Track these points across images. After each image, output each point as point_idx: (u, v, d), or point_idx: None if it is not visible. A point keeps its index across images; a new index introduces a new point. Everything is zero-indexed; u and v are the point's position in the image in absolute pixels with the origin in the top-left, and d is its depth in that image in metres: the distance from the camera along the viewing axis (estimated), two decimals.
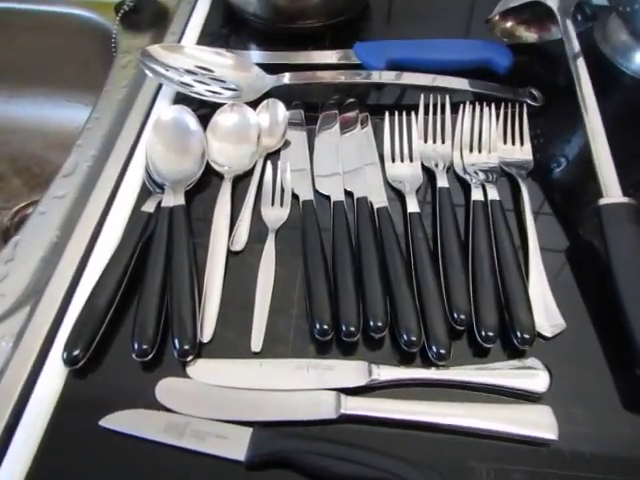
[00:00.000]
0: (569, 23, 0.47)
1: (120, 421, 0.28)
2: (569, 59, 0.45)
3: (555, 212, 0.39)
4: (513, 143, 0.43)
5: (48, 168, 0.64)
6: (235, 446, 0.27)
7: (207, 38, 0.53)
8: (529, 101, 0.46)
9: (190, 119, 0.41)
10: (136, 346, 0.30)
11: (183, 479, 0.28)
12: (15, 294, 0.35)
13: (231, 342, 0.32)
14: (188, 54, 0.47)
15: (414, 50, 0.49)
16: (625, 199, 0.36)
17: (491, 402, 0.30)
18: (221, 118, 0.42)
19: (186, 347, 0.30)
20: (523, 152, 0.43)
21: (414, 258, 0.35)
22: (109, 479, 0.28)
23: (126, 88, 0.50)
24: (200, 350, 0.31)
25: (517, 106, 0.45)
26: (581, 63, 0.44)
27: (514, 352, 0.32)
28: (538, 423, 0.29)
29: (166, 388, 0.29)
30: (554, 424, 0.29)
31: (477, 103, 0.45)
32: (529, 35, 0.52)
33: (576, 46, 0.45)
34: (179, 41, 0.53)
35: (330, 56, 0.50)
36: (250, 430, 0.28)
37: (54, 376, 0.31)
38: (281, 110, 0.43)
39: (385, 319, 0.32)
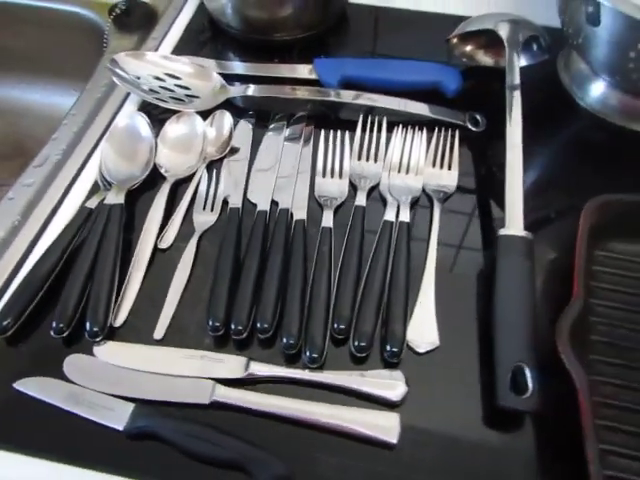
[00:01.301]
0: (515, 55, 0.48)
1: (31, 386, 0.34)
2: (507, 89, 0.47)
3: (463, 237, 0.42)
4: (442, 167, 0.46)
5: None
6: (118, 417, 0.32)
7: (185, 45, 0.57)
8: (470, 126, 0.49)
9: (143, 126, 0.46)
10: (54, 324, 0.35)
11: (74, 439, 0.33)
12: None
13: (139, 329, 0.37)
14: (155, 62, 0.51)
15: (368, 69, 0.51)
16: (524, 233, 0.39)
17: (349, 404, 0.33)
18: (170, 127, 0.46)
19: (95, 329, 0.35)
20: (449, 177, 0.45)
21: (314, 269, 0.38)
22: (17, 431, 0.33)
23: (104, 88, 0.54)
24: (112, 333, 0.36)
25: (451, 130, 0.47)
26: (517, 95, 0.46)
27: (388, 363, 0.36)
28: (383, 427, 0.32)
29: (72, 363, 0.35)
30: (397, 429, 0.32)
31: (413, 126, 0.48)
32: (486, 60, 0.53)
33: (516, 78, 0.47)
34: (159, 45, 0.57)
35: (298, 70, 0.53)
36: (133, 405, 0.33)
37: None
38: (227, 121, 0.47)
39: (272, 322, 0.36)
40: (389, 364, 0.36)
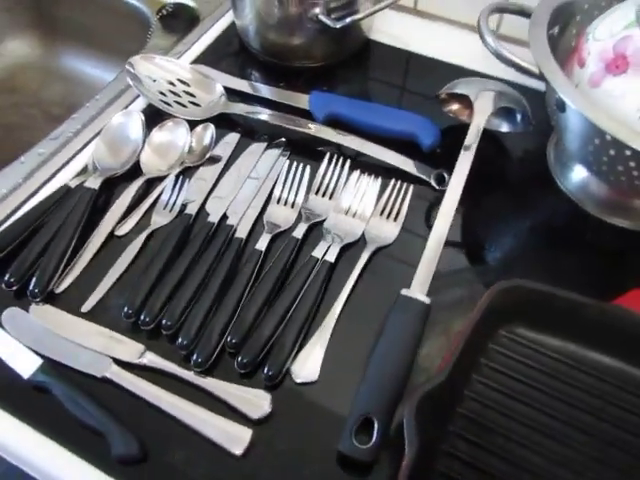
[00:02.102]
0: (480, 123, 0.50)
1: None
2: (462, 148, 0.48)
3: (380, 287, 0.45)
4: (388, 217, 0.48)
5: None
6: (26, 368, 0.39)
7: (209, 54, 0.63)
8: (434, 183, 0.51)
9: (136, 127, 0.52)
10: (6, 277, 0.42)
11: None
12: None
13: (73, 300, 0.43)
14: (166, 67, 0.57)
15: (354, 110, 0.54)
16: (423, 297, 0.41)
17: (217, 411, 0.38)
18: (158, 131, 0.52)
19: (36, 290, 0.42)
20: (391, 228, 0.48)
21: (232, 285, 0.43)
22: None
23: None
24: (51, 298, 0.43)
25: (406, 184, 0.50)
26: (466, 157, 0.47)
27: (267, 385, 0.39)
28: (233, 438, 0.36)
29: (10, 313, 0.41)
30: (245, 443, 0.36)
31: (376, 172, 0.50)
32: (470, 120, 0.55)
33: (471, 140, 0.49)
34: (187, 50, 0.63)
35: (296, 98, 0.57)
36: (41, 362, 0.39)
37: None
38: (209, 135, 0.52)
39: (177, 321, 0.40)
40: (267, 386, 0.39)
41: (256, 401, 0.38)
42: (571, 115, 0.43)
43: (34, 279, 0.42)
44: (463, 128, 0.53)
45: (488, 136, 0.55)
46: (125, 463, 0.35)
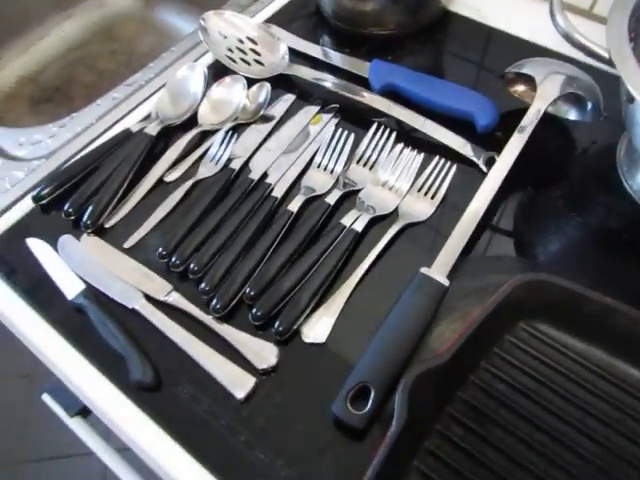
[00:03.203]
0: (541, 106, 0.47)
1: (33, 243, 0.46)
2: (517, 130, 0.46)
3: (403, 262, 0.44)
4: (425, 195, 0.47)
5: None
6: (70, 289, 0.43)
7: (282, 15, 0.64)
8: (482, 165, 0.49)
9: (198, 80, 0.54)
10: (66, 207, 0.47)
11: (38, 288, 0.44)
12: (49, 149, 0.54)
13: (119, 236, 0.47)
14: (239, 26, 0.59)
15: (411, 83, 0.53)
16: (442, 279, 0.40)
17: (226, 356, 0.40)
18: (217, 87, 0.54)
19: (88, 222, 0.46)
20: (426, 206, 0.47)
21: (260, 240, 0.44)
22: (10, 264, 0.46)
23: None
24: (100, 231, 0.47)
25: (449, 163, 0.48)
26: (517, 142, 0.45)
27: (278, 339, 0.41)
28: (238, 382, 0.38)
29: (64, 241, 0.46)
30: (247, 389, 0.38)
31: (419, 148, 0.49)
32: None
33: (528, 122, 0.46)
34: (262, 9, 0.64)
35: (357, 65, 0.56)
36: (83, 287, 0.43)
37: (27, 204, 0.49)
38: (264, 94, 0.53)
39: (203, 267, 0.43)
40: (277, 342, 0.41)
41: (264, 353, 0.40)
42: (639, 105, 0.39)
43: (87, 212, 0.46)
44: (525, 112, 0.50)
45: (553, 122, 0.52)
46: (139, 388, 0.39)
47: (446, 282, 0.40)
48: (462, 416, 0.37)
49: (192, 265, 0.43)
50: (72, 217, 0.47)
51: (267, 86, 0.54)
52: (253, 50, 0.58)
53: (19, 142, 0.55)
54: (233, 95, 0.53)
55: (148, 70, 0.61)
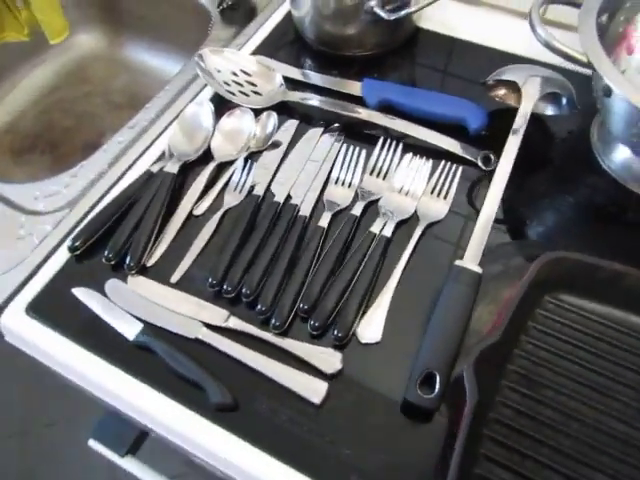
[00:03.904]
0: (528, 107, 0.53)
1: (81, 292, 0.47)
2: (511, 132, 0.52)
3: (432, 259, 0.49)
4: (438, 196, 0.52)
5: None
6: (130, 330, 0.45)
7: (267, 45, 0.67)
8: (481, 164, 0.54)
9: (207, 115, 0.57)
10: (106, 253, 0.49)
11: (98, 335, 0.46)
12: (67, 198, 0.56)
13: (163, 272, 0.49)
14: (232, 59, 0.62)
15: (405, 96, 0.58)
16: (475, 268, 0.45)
17: (294, 367, 0.43)
18: (227, 119, 0.57)
19: (132, 264, 0.48)
20: (441, 206, 0.52)
21: (300, 258, 0.48)
22: (68, 322, 0.47)
23: (194, 72, 0.66)
24: (143, 270, 0.49)
25: (455, 165, 0.53)
26: (515, 141, 0.51)
27: (336, 345, 0.45)
28: (312, 389, 0.42)
29: (111, 285, 0.47)
30: (322, 394, 0.41)
31: (426, 153, 0.54)
32: (517, 104, 0.58)
33: (520, 124, 0.52)
34: (247, 42, 0.68)
35: (349, 86, 0.61)
36: (142, 325, 0.45)
37: (62, 256, 0.50)
38: (272, 122, 0.57)
39: (255, 290, 0.46)
40: (336, 346, 0.44)
41: (329, 358, 0.43)
42: (617, 100, 0.46)
43: (129, 254, 0.48)
44: (508, 111, 0.57)
45: (533, 119, 0.58)
46: (219, 410, 0.41)
47: (480, 270, 0.45)
48: (516, 385, 0.42)
49: (244, 289, 0.46)
50: (112, 262, 0.49)
51: (274, 114, 0.57)
52: (249, 82, 0.62)
53: (34, 196, 0.56)
54: (244, 125, 0.57)
55: (147, 111, 0.63)
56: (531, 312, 0.45)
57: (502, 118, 0.56)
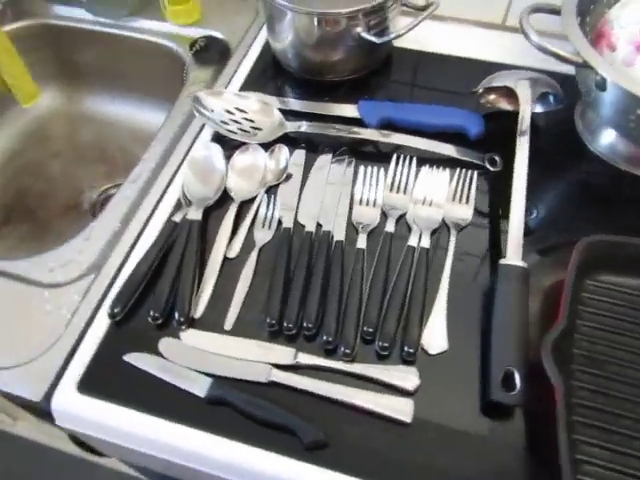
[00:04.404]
0: (527, 109, 0.57)
1: (134, 358, 0.45)
2: (517, 135, 0.55)
3: (472, 261, 0.51)
4: (460, 201, 0.55)
5: (130, 159, 0.82)
6: (200, 387, 0.43)
7: (251, 80, 0.68)
8: (488, 166, 0.57)
9: (217, 156, 0.57)
10: (151, 313, 0.47)
11: (166, 400, 0.44)
12: (86, 264, 0.53)
13: (213, 321, 0.48)
14: (228, 98, 0.62)
15: (403, 112, 0.60)
16: (520, 263, 0.47)
17: (371, 390, 0.43)
18: (238, 157, 0.57)
19: (182, 319, 0.46)
20: (465, 211, 0.54)
21: (350, 282, 0.48)
22: (124, 390, 0.44)
23: (184, 116, 0.65)
24: (193, 323, 0.47)
25: (470, 170, 0.56)
26: (524, 142, 0.54)
27: (405, 361, 0.45)
28: (399, 409, 0.42)
29: (165, 344, 0.46)
30: (411, 412, 0.42)
31: (438, 164, 0.57)
32: (507, 106, 0.61)
33: (525, 126, 0.55)
34: (230, 80, 0.68)
35: (345, 109, 0.62)
36: (211, 379, 0.44)
37: (102, 324, 0.48)
38: (284, 154, 0.57)
39: (315, 323, 0.46)
40: (406, 362, 0.45)
41: (406, 376, 0.44)
42: (613, 92, 0.50)
43: (176, 309, 0.47)
44: (500, 114, 0.60)
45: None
46: (312, 449, 0.41)
47: (525, 265, 0.47)
48: (584, 367, 0.44)
49: (305, 324, 0.46)
50: (159, 320, 0.47)
51: (284, 147, 0.58)
52: (246, 118, 0.62)
53: (49, 268, 0.53)
54: (258, 161, 0.57)
55: (145, 162, 0.61)
56: (579, 296, 0.48)
57: (495, 121, 0.60)
